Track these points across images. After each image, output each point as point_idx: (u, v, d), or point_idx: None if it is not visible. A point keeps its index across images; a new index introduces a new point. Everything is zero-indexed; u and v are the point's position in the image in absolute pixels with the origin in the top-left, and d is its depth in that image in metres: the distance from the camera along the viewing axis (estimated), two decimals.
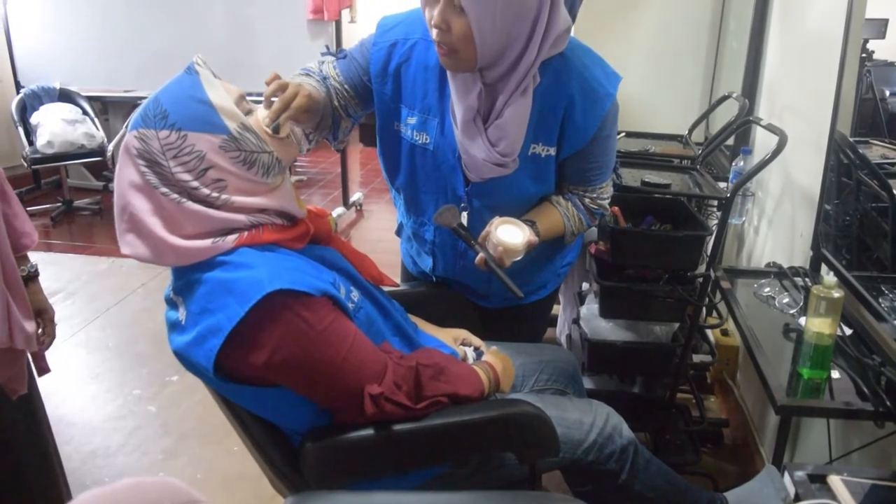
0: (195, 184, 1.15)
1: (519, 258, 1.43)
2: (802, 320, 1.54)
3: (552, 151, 1.52)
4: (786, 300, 1.76)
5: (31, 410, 1.70)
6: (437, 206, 1.55)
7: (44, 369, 1.71)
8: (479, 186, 1.54)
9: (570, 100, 1.46)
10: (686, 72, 3.40)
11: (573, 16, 2.34)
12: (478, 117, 1.44)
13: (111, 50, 5.13)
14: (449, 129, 1.48)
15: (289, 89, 1.26)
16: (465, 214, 1.57)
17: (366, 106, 1.62)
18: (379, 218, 5.21)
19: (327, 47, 1.67)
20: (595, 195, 1.62)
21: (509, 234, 1.42)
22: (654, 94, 3.36)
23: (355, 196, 5.23)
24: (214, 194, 1.16)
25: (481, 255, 1.42)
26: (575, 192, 1.62)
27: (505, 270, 1.41)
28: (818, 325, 1.37)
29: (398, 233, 1.88)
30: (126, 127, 1.18)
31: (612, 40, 3.38)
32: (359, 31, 6.04)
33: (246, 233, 1.19)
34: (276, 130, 1.23)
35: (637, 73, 3.24)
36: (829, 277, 1.38)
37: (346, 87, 1.57)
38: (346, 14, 4.92)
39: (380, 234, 4.93)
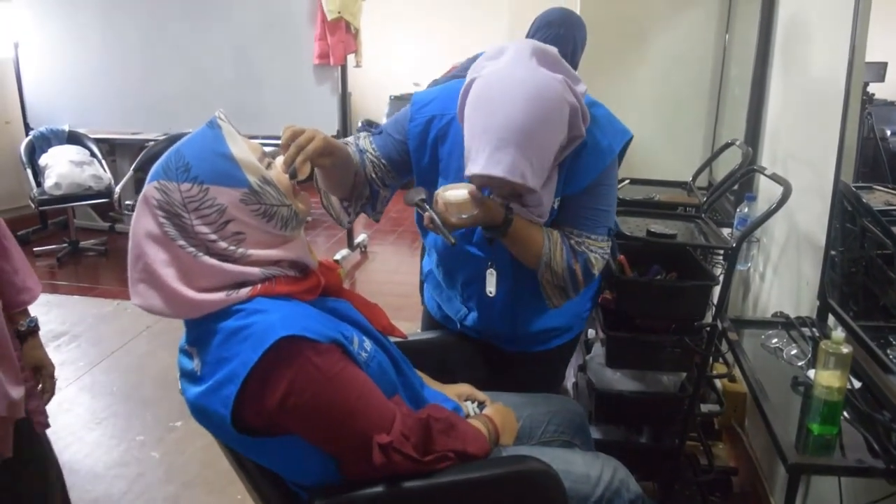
0: (214, 237, 1.16)
1: (468, 215, 1.43)
2: (811, 373, 1.54)
3: (556, 204, 1.58)
4: (793, 352, 1.76)
5: (42, 469, 1.69)
6: (469, 264, 1.61)
7: (42, 425, 1.67)
8: (500, 244, 1.58)
9: (578, 148, 1.50)
10: (688, 118, 3.44)
11: (575, 63, 2.41)
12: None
13: (120, 93, 5.20)
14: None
15: (304, 134, 1.29)
16: (491, 271, 1.63)
17: (402, 175, 1.70)
18: (384, 260, 5.22)
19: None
20: (581, 240, 1.58)
21: (453, 191, 1.44)
22: (656, 140, 3.39)
23: (360, 238, 5.25)
24: (232, 247, 1.18)
25: (427, 213, 1.44)
26: (569, 235, 1.60)
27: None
28: (827, 380, 1.36)
29: (424, 279, 1.91)
30: (133, 169, 1.20)
31: (613, 86, 3.42)
32: (364, 75, 6.13)
33: (260, 285, 1.20)
34: (293, 176, 1.25)
35: (639, 120, 3.26)
36: (837, 333, 1.38)
37: (382, 160, 1.64)
38: (351, 59, 4.98)
39: (385, 275, 4.94)
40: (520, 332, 1.73)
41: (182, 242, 1.15)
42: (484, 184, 1.42)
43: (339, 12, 4.66)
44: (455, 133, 1.57)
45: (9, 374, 1.49)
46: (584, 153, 1.51)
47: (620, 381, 2.08)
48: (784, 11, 2.61)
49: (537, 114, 1.34)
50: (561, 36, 2.30)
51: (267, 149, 1.29)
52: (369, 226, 6.08)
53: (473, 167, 1.37)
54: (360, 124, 6.88)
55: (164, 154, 1.21)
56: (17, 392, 1.50)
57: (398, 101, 6.90)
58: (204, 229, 1.16)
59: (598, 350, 2.20)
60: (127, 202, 5.06)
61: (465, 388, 1.65)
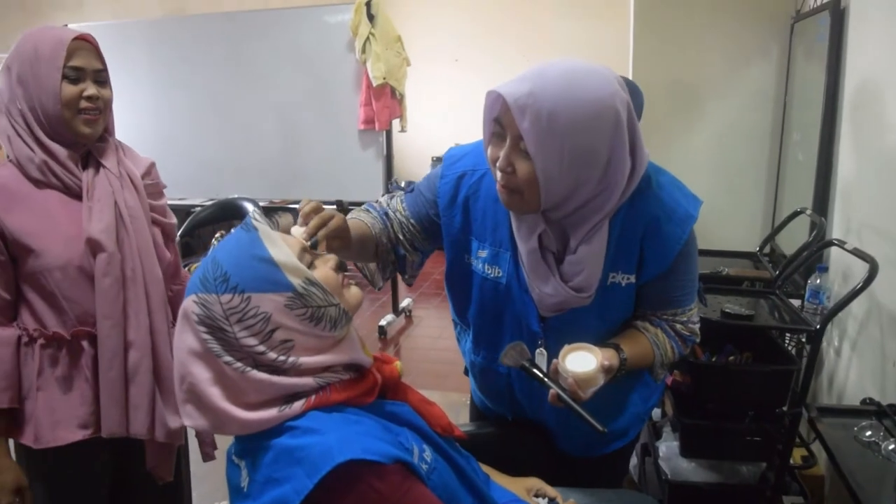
0: (261, 348, 1.08)
1: (597, 388, 1.31)
2: None
3: (632, 279, 1.43)
4: (892, 447, 1.60)
5: (189, 493, 1.84)
6: (511, 340, 1.46)
7: (209, 455, 1.75)
8: (555, 320, 1.45)
9: (649, 223, 1.39)
10: (747, 185, 3.33)
11: None
12: (548, 254, 1.38)
13: (166, 158, 5.17)
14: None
15: (325, 211, 1.24)
16: (542, 351, 1.47)
17: (433, 240, 1.58)
18: (429, 325, 5.12)
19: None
20: (686, 318, 1.50)
21: (580, 362, 1.31)
22: (714, 208, 3.26)
23: (405, 302, 5.17)
24: (281, 357, 1.10)
25: (553, 390, 1.31)
26: (663, 317, 1.50)
27: (584, 406, 1.29)
28: None
29: (467, 372, 1.78)
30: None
31: (667, 152, 3.34)
32: (409, 139, 6.15)
33: (313, 396, 1.12)
34: (314, 246, 1.19)
35: (695, 187, 3.15)
36: None
37: (411, 221, 1.54)
38: (396, 123, 4.98)
39: (430, 341, 4.83)
40: (573, 429, 1.59)
41: (228, 358, 1.08)
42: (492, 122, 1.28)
43: (385, 78, 4.67)
44: (487, 189, 1.46)
45: (170, 407, 1.59)
46: (663, 225, 1.38)
47: (695, 471, 1.94)
48: (852, 72, 2.50)
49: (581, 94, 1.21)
50: None
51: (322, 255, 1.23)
52: (414, 289, 6.01)
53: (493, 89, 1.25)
54: (394, 184, 6.92)
55: (200, 264, 1.14)
56: (175, 422, 1.60)
57: (440, 162, 6.88)
58: (250, 341, 1.08)
59: (668, 434, 2.06)
60: None
61: (534, 483, 1.53)
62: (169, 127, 5.28)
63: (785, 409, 1.88)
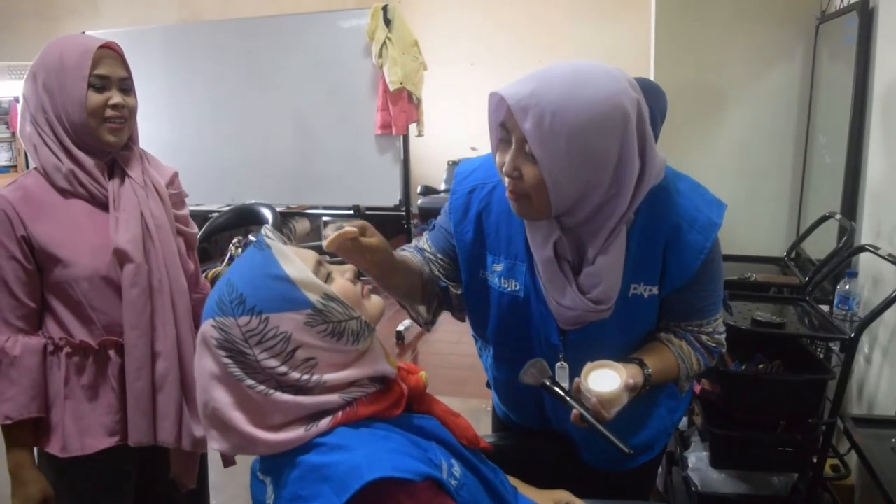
0: (283, 369, 1.05)
1: (621, 405, 1.27)
2: None
3: (654, 290, 1.39)
4: None
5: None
6: (532, 355, 1.42)
7: (229, 461, 1.73)
8: (575, 334, 1.41)
9: (670, 232, 1.34)
10: (771, 188, 3.28)
11: (655, 135, 2.27)
12: (565, 265, 1.34)
13: (182, 164, 5.23)
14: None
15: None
16: (563, 365, 1.44)
17: None
18: (447, 330, 5.08)
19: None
20: (711, 329, 1.46)
21: (603, 381, 1.27)
22: (738, 212, 3.18)
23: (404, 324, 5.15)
24: (305, 377, 1.07)
25: (576, 410, 1.27)
26: (688, 328, 1.46)
27: (609, 425, 1.25)
28: None
29: (490, 386, 1.74)
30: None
31: (690, 156, 3.30)
32: (425, 144, 6.13)
33: (340, 413, 1.09)
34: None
35: (718, 191, 3.11)
36: None
37: (439, 255, 1.52)
38: (413, 128, 4.96)
39: (448, 346, 4.80)
40: (600, 444, 1.55)
41: (250, 382, 1.05)
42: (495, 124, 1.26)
43: (402, 83, 4.66)
44: (499, 201, 1.41)
45: (195, 415, 1.57)
46: (684, 234, 1.34)
47: (725, 482, 1.90)
48: (882, 73, 2.46)
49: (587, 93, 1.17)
50: None
51: (325, 218, 1.20)
52: None
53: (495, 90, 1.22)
54: (419, 189, 6.91)
55: (215, 287, 1.11)
56: (200, 431, 1.59)
57: (456, 166, 6.86)
58: (271, 363, 1.05)
59: (696, 444, 2.01)
60: None
61: (562, 495, 1.50)
62: (185, 133, 5.29)
63: (818, 419, 1.84)
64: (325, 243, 1.20)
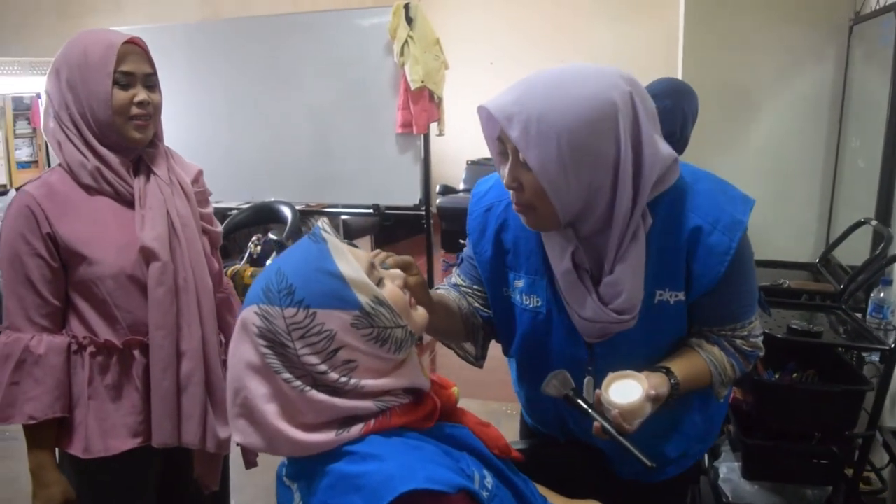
0: (323, 367, 1.02)
1: (644, 417, 1.22)
2: None
3: (681, 296, 1.33)
4: None
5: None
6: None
7: (251, 463, 1.73)
8: (601, 347, 1.36)
9: (691, 235, 1.29)
10: (800, 192, 3.23)
11: (685, 138, 2.23)
12: (585, 276, 1.30)
13: (200, 161, 5.23)
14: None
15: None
16: (589, 379, 1.39)
17: None
18: None
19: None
20: (746, 333, 1.39)
21: (624, 392, 1.22)
22: (766, 216, 3.16)
23: None
24: (343, 378, 1.03)
25: (597, 422, 1.23)
26: (721, 333, 1.40)
27: (632, 437, 1.20)
28: None
29: (518, 391, 1.70)
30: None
31: (717, 157, 3.24)
32: (444, 143, 6.10)
33: (373, 420, 1.06)
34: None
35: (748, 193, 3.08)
36: None
37: (474, 287, 1.50)
38: (433, 127, 4.92)
39: None
40: (628, 456, 1.51)
41: (287, 375, 1.02)
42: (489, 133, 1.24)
43: (423, 81, 4.62)
44: (516, 217, 1.36)
45: (220, 417, 1.59)
46: (707, 236, 1.28)
47: (758, 494, 1.85)
48: None
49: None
50: (667, 109, 2.09)
51: (344, 217, 1.17)
52: None
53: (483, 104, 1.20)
54: (437, 188, 6.87)
55: (263, 273, 1.08)
56: (224, 432, 1.60)
57: (475, 165, 6.83)
58: (312, 359, 1.01)
59: (727, 454, 1.97)
60: None
61: None
62: (204, 130, 5.27)
63: (855, 430, 1.79)
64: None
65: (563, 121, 1.12)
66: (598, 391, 1.24)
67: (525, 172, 1.18)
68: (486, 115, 1.22)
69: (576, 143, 1.13)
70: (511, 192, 1.24)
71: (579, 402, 1.26)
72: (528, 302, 1.41)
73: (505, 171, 1.22)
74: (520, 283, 1.41)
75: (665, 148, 1.22)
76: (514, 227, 1.40)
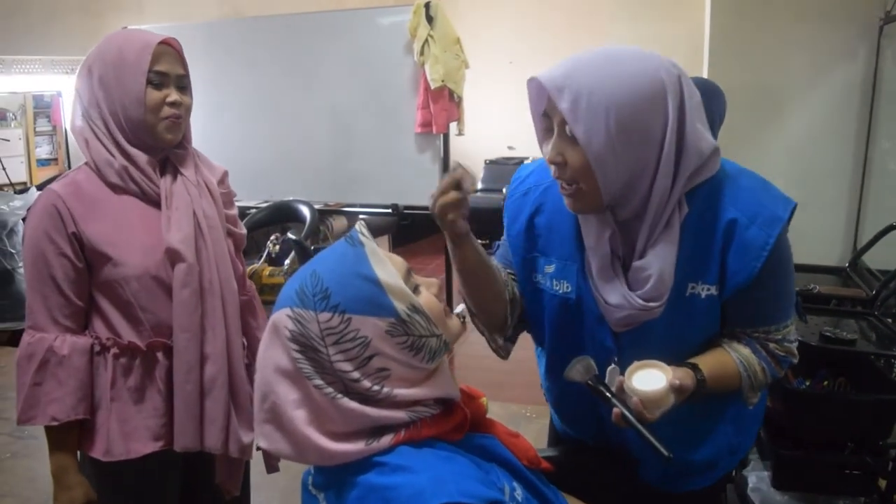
0: (356, 374, 1.00)
1: (666, 409, 1.19)
2: None
3: (713, 291, 1.30)
4: None
5: None
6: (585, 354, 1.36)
7: (273, 467, 1.72)
8: (629, 337, 1.33)
9: (728, 227, 1.25)
10: (826, 194, 3.18)
11: (714, 138, 2.19)
12: (616, 261, 1.28)
13: (220, 160, 5.24)
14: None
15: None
16: (615, 368, 1.35)
17: None
18: None
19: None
20: (780, 337, 1.35)
21: (647, 380, 1.20)
22: (794, 217, 3.11)
23: (459, 308, 5.07)
24: (376, 387, 1.01)
25: (616, 410, 1.20)
26: (754, 335, 1.36)
27: (653, 429, 1.17)
28: None
29: (546, 391, 1.68)
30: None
31: (743, 158, 3.17)
32: (463, 143, 6.07)
33: (403, 431, 1.03)
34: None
35: None
36: None
37: (508, 270, 1.48)
38: (453, 127, 4.90)
39: (484, 349, 4.69)
40: (657, 458, 1.47)
41: (318, 381, 0.99)
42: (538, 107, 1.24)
43: (443, 80, 4.60)
44: (553, 201, 1.36)
45: (243, 422, 1.59)
46: (743, 230, 1.24)
47: None
48: None
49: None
50: None
51: (362, 217, 1.15)
52: None
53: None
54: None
55: (297, 275, 1.06)
56: (248, 437, 1.60)
57: (493, 165, 6.80)
58: (345, 366, 0.99)
59: (756, 463, 1.93)
60: None
61: None
62: (223, 128, 5.27)
63: (889, 440, 1.75)
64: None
65: (614, 96, 1.13)
66: (620, 378, 1.22)
67: (570, 147, 1.18)
68: (534, 89, 1.22)
69: (624, 119, 1.13)
70: (553, 167, 1.23)
71: (601, 388, 1.24)
72: (557, 287, 1.39)
73: (548, 147, 1.21)
74: (550, 268, 1.40)
75: (708, 136, 1.22)
76: (549, 211, 1.39)
